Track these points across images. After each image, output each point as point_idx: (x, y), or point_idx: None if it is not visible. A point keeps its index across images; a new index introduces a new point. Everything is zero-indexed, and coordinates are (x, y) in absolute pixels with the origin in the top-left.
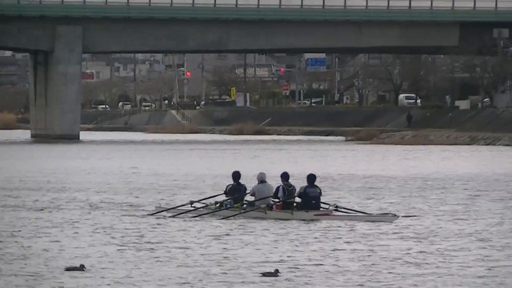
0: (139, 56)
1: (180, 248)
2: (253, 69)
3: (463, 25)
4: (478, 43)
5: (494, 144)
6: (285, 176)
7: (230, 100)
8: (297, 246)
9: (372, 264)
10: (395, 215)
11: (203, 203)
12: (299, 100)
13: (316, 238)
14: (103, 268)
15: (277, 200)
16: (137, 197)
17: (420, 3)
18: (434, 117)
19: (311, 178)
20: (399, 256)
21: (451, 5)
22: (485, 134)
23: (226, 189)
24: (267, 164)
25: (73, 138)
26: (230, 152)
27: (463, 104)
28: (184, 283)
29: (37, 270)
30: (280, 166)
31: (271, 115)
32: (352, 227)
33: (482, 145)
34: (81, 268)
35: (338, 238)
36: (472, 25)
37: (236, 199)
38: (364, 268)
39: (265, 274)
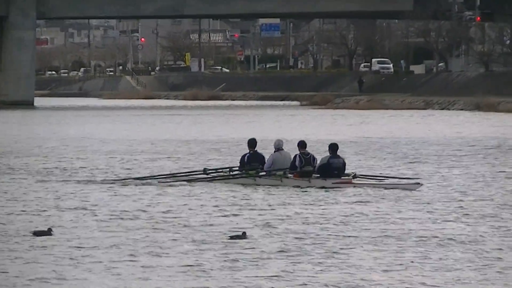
0: (93, 22)
1: (152, 213)
2: (208, 34)
3: None
4: (433, 7)
5: (448, 109)
6: (301, 145)
7: (184, 65)
8: (272, 210)
9: (346, 229)
10: (418, 183)
11: (217, 171)
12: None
13: (306, 203)
14: (71, 233)
15: (293, 169)
16: (101, 162)
17: None
18: (389, 82)
19: (334, 147)
20: (370, 222)
21: None
22: (440, 99)
23: (243, 158)
24: (226, 128)
25: (28, 104)
26: (185, 117)
27: (418, 69)
28: (153, 246)
29: (4, 234)
30: (238, 130)
31: (225, 81)
32: (357, 193)
33: (436, 109)
34: (49, 232)
35: (328, 202)
36: None
37: (253, 168)
38: (336, 232)
39: (233, 237)
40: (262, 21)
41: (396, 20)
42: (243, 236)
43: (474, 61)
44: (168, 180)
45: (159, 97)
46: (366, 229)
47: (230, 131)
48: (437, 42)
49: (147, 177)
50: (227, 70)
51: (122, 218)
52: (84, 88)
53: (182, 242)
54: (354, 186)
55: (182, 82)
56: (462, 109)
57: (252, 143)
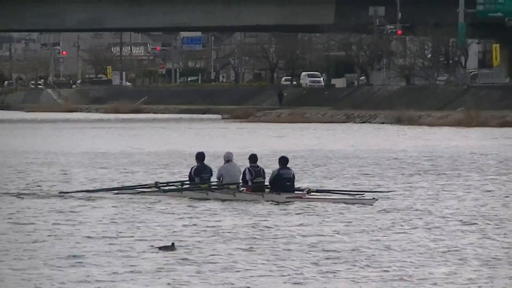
0: (15, 35)
1: (78, 224)
2: (129, 47)
3: (339, 2)
4: (354, 21)
5: (370, 122)
6: (252, 158)
7: (106, 79)
8: (203, 222)
9: (276, 242)
10: (374, 198)
11: (168, 185)
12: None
13: (231, 216)
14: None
15: (245, 183)
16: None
17: None
18: (310, 95)
19: (284, 160)
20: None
21: None
22: (361, 112)
23: (190, 171)
24: (142, 142)
25: None
26: (107, 130)
27: (339, 82)
28: (81, 258)
29: None
30: (159, 144)
31: (147, 94)
32: (295, 207)
33: (358, 122)
34: None
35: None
36: (348, 2)
37: (202, 180)
38: (267, 246)
39: (161, 248)
40: (183, 34)
41: (318, 34)
42: (172, 247)
43: (395, 74)
44: (118, 193)
45: (80, 110)
46: (289, 242)
47: (151, 144)
48: (358, 56)
49: (98, 189)
50: (129, 84)
51: (57, 229)
52: (5, 101)
53: (110, 252)
54: (308, 201)
55: (104, 95)
56: (383, 123)
57: (200, 156)
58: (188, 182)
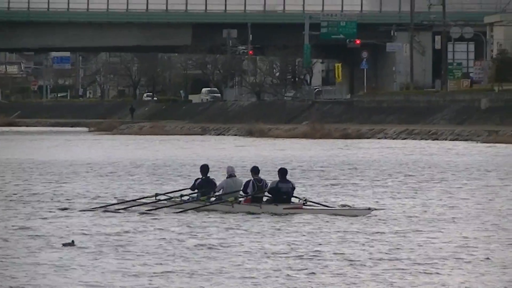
0: None
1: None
2: (5, 66)
3: (196, 26)
4: (210, 42)
5: (223, 134)
6: (255, 171)
7: None
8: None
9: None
10: (369, 209)
11: (168, 196)
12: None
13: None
14: None
15: (245, 194)
16: None
17: (156, 6)
18: (170, 110)
19: (283, 172)
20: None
21: (184, 8)
22: (216, 125)
23: (194, 183)
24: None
25: None
26: None
27: (196, 98)
28: None
29: None
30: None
31: (21, 109)
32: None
33: (213, 135)
34: None
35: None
36: (204, 26)
37: (204, 194)
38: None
39: (64, 244)
40: (54, 54)
41: (176, 54)
42: (72, 243)
43: (247, 91)
44: (118, 208)
45: None
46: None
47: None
48: (214, 74)
49: (104, 205)
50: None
51: None
52: None
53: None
54: (305, 212)
55: None
56: (236, 135)
57: (204, 169)
58: (187, 193)
